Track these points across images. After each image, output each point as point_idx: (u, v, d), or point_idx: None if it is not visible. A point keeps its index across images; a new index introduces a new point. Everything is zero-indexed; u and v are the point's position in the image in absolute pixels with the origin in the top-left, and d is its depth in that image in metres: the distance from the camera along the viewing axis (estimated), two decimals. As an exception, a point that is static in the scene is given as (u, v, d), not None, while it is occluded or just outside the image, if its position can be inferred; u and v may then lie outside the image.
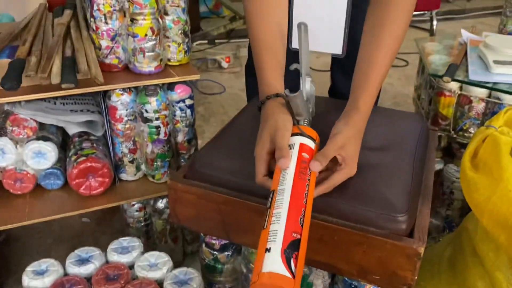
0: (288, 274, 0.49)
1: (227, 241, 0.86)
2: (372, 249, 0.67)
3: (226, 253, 0.87)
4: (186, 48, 1.03)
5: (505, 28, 1.59)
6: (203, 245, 0.88)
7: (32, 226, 1.04)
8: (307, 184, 0.60)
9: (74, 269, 0.80)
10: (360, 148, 0.79)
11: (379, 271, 0.68)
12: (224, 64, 2.43)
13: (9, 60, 0.89)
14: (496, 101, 1.05)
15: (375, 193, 0.71)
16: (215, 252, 0.87)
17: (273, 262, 0.50)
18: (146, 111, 0.97)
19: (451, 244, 0.82)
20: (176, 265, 1.21)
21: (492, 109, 1.07)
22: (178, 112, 1.03)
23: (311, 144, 0.66)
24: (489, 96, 1.07)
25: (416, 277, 0.66)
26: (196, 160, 0.81)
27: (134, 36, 0.93)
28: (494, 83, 1.06)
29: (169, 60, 1.02)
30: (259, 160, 0.66)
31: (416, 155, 0.81)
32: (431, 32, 2.93)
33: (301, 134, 0.66)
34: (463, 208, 1.10)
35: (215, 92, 2.22)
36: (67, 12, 1.07)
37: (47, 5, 1.22)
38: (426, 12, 2.98)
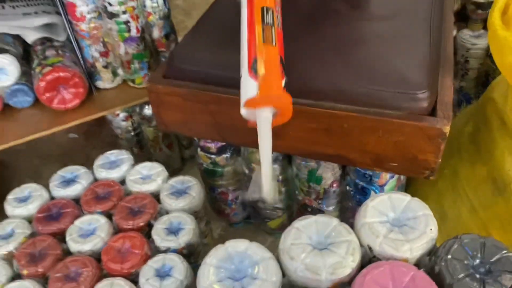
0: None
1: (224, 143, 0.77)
2: (389, 134, 0.58)
3: (224, 155, 0.79)
4: None
5: None
6: (199, 149, 0.80)
7: (15, 150, 0.95)
8: None
9: (60, 192, 0.73)
10: (366, 17, 0.67)
11: (397, 158, 0.61)
12: None
13: None
14: None
15: (388, 69, 0.60)
16: (212, 156, 0.79)
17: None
18: (110, 3, 0.82)
19: (472, 118, 0.74)
20: (176, 172, 1.16)
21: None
22: (148, 3, 0.88)
23: None
24: None
25: (439, 160, 0.58)
26: (175, 55, 0.69)
27: None
28: None
29: None
30: None
31: (432, 21, 0.69)
32: None
33: None
34: (478, 78, 1.00)
35: (192, -19, 1.99)
36: None
37: None
38: None
